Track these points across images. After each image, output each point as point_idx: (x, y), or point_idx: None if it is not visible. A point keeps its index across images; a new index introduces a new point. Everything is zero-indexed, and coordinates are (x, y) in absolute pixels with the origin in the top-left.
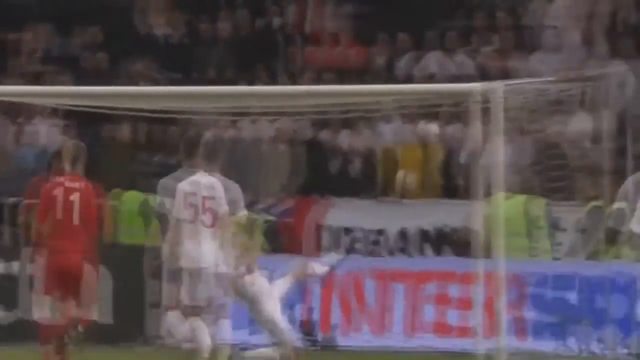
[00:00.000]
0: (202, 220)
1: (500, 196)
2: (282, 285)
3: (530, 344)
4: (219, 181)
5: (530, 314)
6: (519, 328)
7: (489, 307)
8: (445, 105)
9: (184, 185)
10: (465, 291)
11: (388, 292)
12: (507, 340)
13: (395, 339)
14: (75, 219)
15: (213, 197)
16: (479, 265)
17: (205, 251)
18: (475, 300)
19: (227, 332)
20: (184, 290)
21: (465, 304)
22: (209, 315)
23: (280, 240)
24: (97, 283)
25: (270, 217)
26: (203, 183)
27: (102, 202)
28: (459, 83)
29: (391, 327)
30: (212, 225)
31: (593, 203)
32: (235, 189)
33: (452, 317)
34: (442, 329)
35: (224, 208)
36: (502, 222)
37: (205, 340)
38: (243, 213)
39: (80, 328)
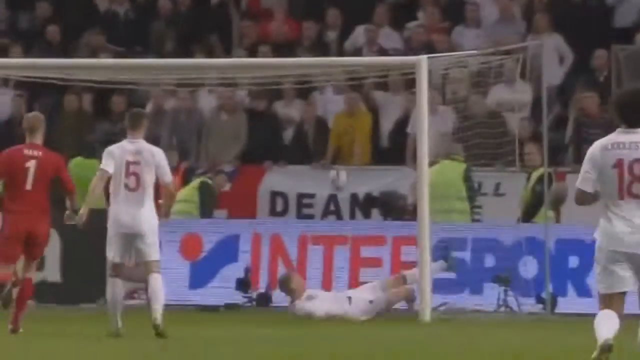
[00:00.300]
0: (126, 183)
1: (442, 162)
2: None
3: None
4: (150, 147)
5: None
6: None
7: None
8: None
9: (114, 151)
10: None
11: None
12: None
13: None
14: (29, 185)
15: (138, 161)
16: (422, 229)
17: (131, 213)
18: (421, 262)
19: (159, 287)
20: (113, 250)
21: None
22: (140, 273)
23: (216, 202)
24: (45, 250)
25: (207, 180)
26: (129, 149)
27: (63, 171)
28: (387, 56)
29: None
30: (137, 189)
31: (541, 170)
32: (160, 154)
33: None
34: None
35: (157, 173)
36: (429, 187)
37: (118, 302)
38: (168, 178)
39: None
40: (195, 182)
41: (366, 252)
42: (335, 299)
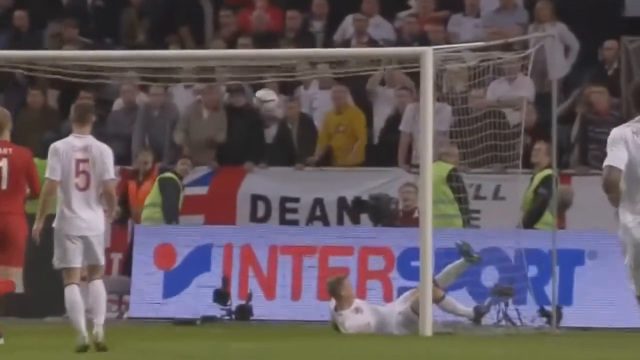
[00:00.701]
0: (76, 183)
1: (435, 164)
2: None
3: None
4: (98, 144)
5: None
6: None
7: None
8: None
9: (60, 148)
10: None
11: (299, 264)
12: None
13: (306, 310)
14: (4, 185)
15: (87, 159)
16: (424, 235)
17: (85, 214)
18: (423, 271)
19: (104, 296)
20: (69, 255)
21: (380, 275)
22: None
23: (180, 195)
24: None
25: (166, 174)
26: (78, 145)
27: (32, 168)
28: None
29: (302, 298)
30: (87, 188)
31: (545, 171)
32: (108, 151)
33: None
34: None
35: (101, 170)
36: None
37: (80, 310)
38: (110, 176)
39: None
40: (156, 182)
41: (334, 261)
42: (377, 312)
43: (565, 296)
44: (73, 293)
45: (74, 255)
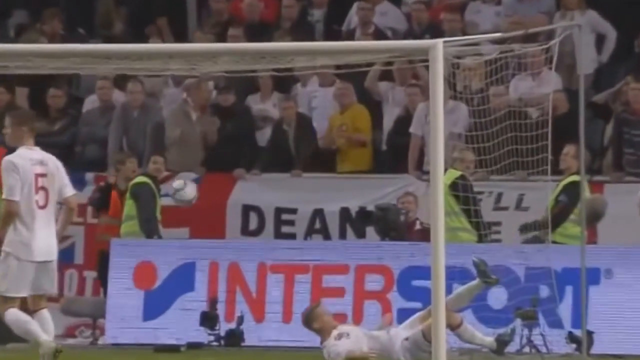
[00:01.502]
0: (37, 200)
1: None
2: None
3: None
4: (52, 157)
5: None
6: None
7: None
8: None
9: (17, 164)
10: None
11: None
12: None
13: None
14: None
15: (45, 174)
16: (436, 253)
17: (44, 236)
18: (435, 291)
19: (51, 322)
20: (19, 283)
21: (379, 296)
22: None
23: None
24: None
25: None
26: (35, 158)
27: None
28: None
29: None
30: (46, 206)
31: (571, 178)
32: (61, 165)
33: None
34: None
35: (60, 185)
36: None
37: (41, 335)
38: (72, 192)
39: None
40: (128, 191)
41: (328, 281)
42: (374, 339)
43: (579, 319)
44: (15, 313)
45: (26, 283)
